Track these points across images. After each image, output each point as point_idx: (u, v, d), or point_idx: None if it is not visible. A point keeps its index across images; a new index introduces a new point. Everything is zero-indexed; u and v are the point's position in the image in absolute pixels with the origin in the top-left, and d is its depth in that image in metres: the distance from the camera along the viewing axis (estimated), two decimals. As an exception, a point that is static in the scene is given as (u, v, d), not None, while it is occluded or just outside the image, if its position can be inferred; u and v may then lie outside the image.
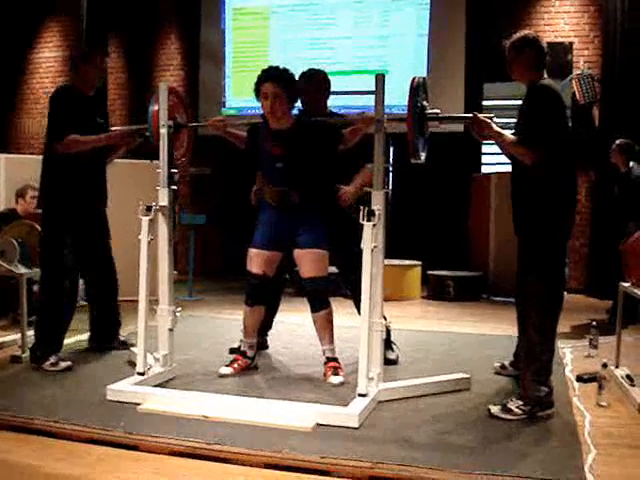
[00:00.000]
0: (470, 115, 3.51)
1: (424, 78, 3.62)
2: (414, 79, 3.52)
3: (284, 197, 3.97)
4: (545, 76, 3.53)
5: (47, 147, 4.28)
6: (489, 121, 3.45)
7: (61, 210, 4.23)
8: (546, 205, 3.35)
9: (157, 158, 3.95)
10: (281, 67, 3.91)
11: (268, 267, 4.03)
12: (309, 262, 3.94)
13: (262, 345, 4.64)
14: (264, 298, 4.13)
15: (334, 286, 6.26)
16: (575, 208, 3.55)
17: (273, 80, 3.85)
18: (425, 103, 3.57)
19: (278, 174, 3.97)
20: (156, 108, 3.95)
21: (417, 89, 3.49)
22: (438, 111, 3.61)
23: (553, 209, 3.36)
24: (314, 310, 3.99)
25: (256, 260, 4.01)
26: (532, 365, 3.37)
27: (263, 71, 3.92)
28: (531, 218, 3.40)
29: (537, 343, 3.37)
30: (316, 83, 4.30)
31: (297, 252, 3.98)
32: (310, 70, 4.33)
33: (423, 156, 3.61)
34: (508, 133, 3.49)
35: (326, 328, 3.99)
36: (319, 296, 3.98)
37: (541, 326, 3.38)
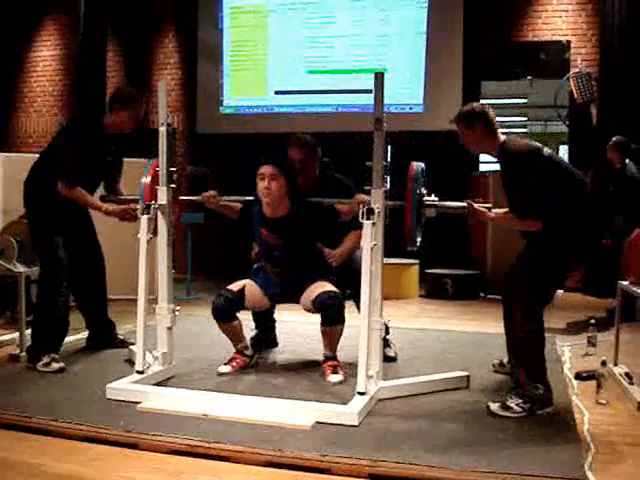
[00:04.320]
0: (464, 204, 3.53)
1: (422, 166, 3.60)
2: (411, 167, 3.51)
3: (283, 274, 4.03)
4: (502, 137, 3.49)
5: (41, 159, 4.28)
6: (484, 210, 3.49)
7: (45, 214, 4.21)
8: (546, 255, 3.39)
9: (155, 157, 3.93)
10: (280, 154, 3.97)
11: (252, 304, 4.07)
12: (320, 287, 3.92)
13: (272, 342, 4.70)
14: (235, 314, 4.05)
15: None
16: (578, 254, 3.54)
17: (271, 163, 3.87)
18: (423, 190, 3.57)
19: (276, 259, 4.03)
20: (149, 180, 3.87)
21: (416, 177, 3.48)
22: (436, 199, 3.60)
23: (552, 259, 3.40)
24: (331, 323, 3.87)
25: (245, 289, 4.01)
26: (524, 365, 3.38)
27: (263, 155, 3.94)
28: (539, 238, 3.42)
29: (525, 343, 3.37)
30: (309, 150, 4.28)
31: (305, 293, 3.96)
32: (302, 135, 4.35)
33: (418, 242, 3.61)
34: (502, 212, 3.52)
35: (335, 340, 3.95)
36: (338, 311, 3.85)
37: (526, 327, 3.38)
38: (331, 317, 3.86)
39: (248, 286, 4.06)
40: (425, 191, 3.59)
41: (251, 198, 4.05)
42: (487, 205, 3.56)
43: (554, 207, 3.33)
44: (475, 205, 3.51)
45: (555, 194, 3.36)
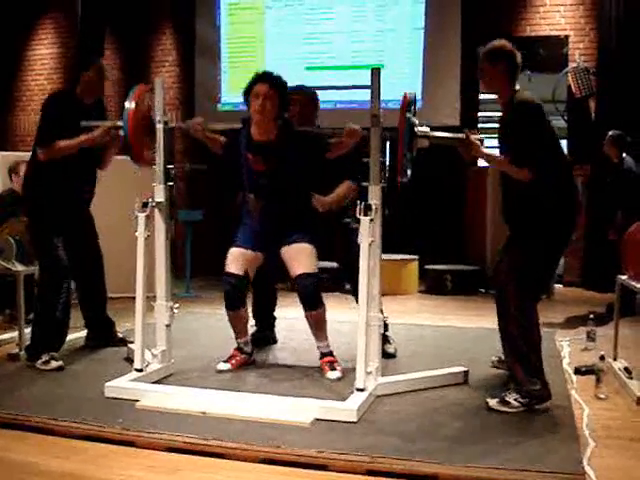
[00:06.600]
0: (461, 136, 3.47)
1: (414, 94, 3.58)
2: (405, 95, 3.49)
3: (266, 211, 3.95)
4: (517, 87, 3.45)
5: (34, 152, 4.25)
6: (478, 143, 3.44)
7: (45, 214, 4.20)
8: (539, 217, 3.34)
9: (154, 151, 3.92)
10: (275, 74, 3.90)
11: (250, 267, 3.98)
12: (298, 257, 3.89)
13: (272, 339, 4.70)
14: (244, 299, 4.05)
15: (334, 281, 6.22)
16: (573, 218, 3.48)
17: (267, 81, 3.84)
18: (415, 120, 3.54)
19: (261, 189, 3.94)
20: (133, 106, 3.85)
21: (409, 106, 3.46)
22: (428, 129, 3.59)
23: (546, 221, 3.34)
24: (310, 309, 3.89)
25: (238, 259, 3.95)
26: (520, 361, 3.36)
27: (257, 73, 3.93)
28: (523, 226, 3.39)
29: (520, 339, 3.36)
30: (309, 96, 4.30)
31: (285, 249, 3.93)
32: (302, 85, 4.37)
33: (409, 174, 3.59)
34: (496, 153, 3.48)
35: (321, 326, 3.95)
36: (314, 294, 3.88)
37: (522, 323, 3.36)
38: (309, 303, 3.87)
39: (238, 254, 3.96)
40: (417, 121, 3.56)
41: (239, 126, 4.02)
42: (480, 137, 3.49)
43: (547, 162, 3.30)
44: (472, 136, 3.44)
45: (550, 151, 3.35)
